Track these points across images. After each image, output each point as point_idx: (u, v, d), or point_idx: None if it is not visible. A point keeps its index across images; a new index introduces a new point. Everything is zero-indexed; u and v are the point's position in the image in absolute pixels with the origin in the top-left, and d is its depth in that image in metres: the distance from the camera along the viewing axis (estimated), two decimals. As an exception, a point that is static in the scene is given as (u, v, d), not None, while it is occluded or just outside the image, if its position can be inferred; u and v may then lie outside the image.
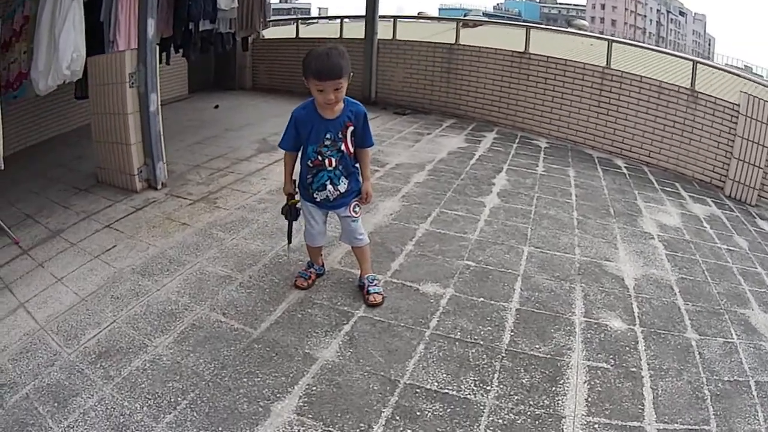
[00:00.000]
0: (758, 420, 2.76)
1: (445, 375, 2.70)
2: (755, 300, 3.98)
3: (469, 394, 2.60)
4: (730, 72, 9.03)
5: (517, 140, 7.71)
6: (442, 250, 4.02)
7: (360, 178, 3.23)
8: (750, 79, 8.97)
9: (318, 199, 3.15)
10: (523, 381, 2.74)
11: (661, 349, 3.17)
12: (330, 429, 2.29)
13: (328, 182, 3.09)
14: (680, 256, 4.47)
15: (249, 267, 3.59)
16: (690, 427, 2.62)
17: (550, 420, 2.51)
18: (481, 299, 3.43)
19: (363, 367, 2.69)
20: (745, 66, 43.42)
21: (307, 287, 3.40)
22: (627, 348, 3.13)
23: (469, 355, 2.88)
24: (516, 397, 2.61)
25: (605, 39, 8.17)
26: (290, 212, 3.27)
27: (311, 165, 3.07)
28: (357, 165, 3.20)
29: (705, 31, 79.24)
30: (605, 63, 7.65)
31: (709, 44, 77.53)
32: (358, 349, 2.80)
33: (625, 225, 4.94)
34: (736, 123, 6.65)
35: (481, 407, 2.53)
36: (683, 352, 3.18)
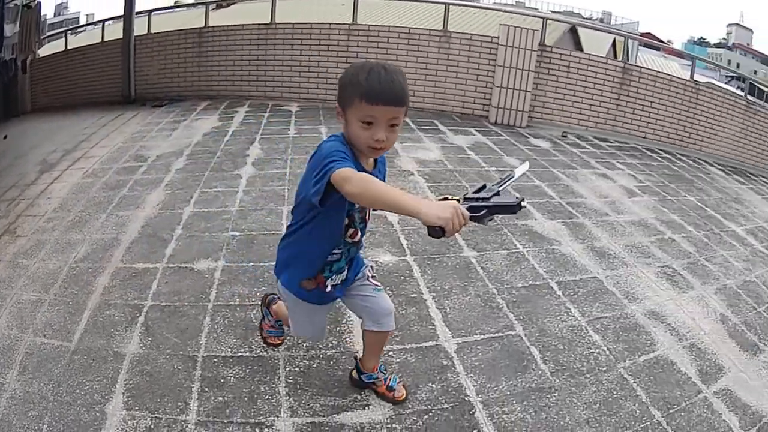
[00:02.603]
0: (574, 316, 3.06)
1: (235, 340, 2.76)
2: (537, 210, 4.35)
3: (261, 351, 2.68)
4: (487, 8, 9.77)
5: (268, 110, 7.82)
6: (207, 227, 4.02)
7: None
8: (516, 12, 9.75)
9: (328, 288, 2.08)
10: (307, 329, 2.82)
11: (438, 272, 3.41)
12: (156, 415, 2.35)
13: (347, 266, 2.13)
14: (444, 185, 4.81)
15: (52, 286, 3.49)
16: (492, 335, 2.85)
17: (343, 358, 2.63)
18: (251, 264, 3.49)
19: (164, 351, 2.73)
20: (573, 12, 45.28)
21: (281, 343, 2.72)
22: (402, 277, 3.32)
23: (252, 317, 2.93)
24: (305, 344, 2.71)
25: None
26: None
27: (349, 241, 2.06)
28: None
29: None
30: (351, 20, 7.90)
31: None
32: (155, 337, 2.85)
33: (380, 167, 5.15)
34: (496, 54, 7.27)
35: (276, 361, 2.60)
36: (463, 270, 3.43)
